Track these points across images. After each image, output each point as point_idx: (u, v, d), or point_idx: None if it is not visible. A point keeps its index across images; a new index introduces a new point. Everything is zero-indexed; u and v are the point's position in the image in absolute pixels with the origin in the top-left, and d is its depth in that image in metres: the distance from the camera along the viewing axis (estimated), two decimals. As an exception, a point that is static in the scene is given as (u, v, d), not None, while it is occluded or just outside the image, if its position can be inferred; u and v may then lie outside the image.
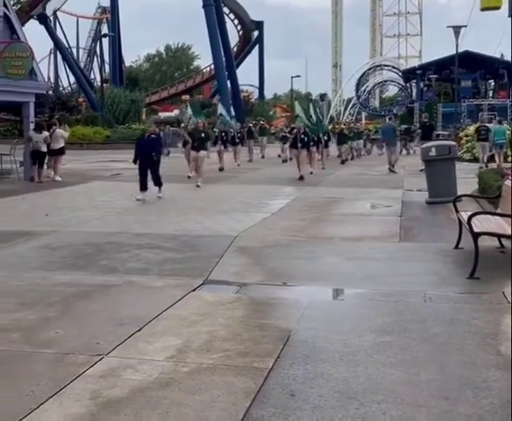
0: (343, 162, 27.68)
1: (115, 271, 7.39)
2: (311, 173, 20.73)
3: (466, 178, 16.09)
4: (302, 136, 19.63)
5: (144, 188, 14.31)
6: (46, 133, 18.36)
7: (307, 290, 6.79)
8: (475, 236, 7.08)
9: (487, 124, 26.11)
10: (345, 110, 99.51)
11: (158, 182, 14.61)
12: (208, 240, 9.35)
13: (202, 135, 17.79)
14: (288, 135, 21.50)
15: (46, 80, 47.97)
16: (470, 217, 7.26)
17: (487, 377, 4.26)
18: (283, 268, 7.62)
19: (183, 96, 76.56)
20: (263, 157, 32.10)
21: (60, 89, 68.91)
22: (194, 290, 6.59)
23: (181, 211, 12.46)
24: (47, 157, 18.57)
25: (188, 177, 18.87)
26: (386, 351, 4.82)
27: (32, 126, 18.98)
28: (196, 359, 4.67)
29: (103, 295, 6.42)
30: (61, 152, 19.30)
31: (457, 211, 8.58)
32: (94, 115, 51.09)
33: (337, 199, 14.44)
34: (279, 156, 30.49)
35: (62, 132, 19.69)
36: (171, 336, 5.15)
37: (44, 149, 18.14)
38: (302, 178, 18.91)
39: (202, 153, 17.53)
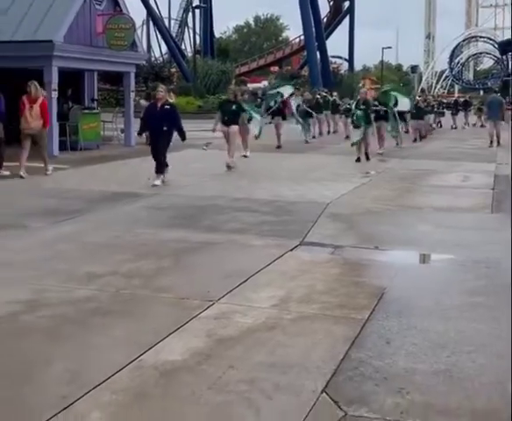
0: (415, 140, 23.87)
1: (217, 230, 7.94)
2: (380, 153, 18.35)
3: None
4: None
5: (160, 170, 11.92)
6: None
7: (399, 254, 7.14)
8: None
9: None
10: (437, 82, 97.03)
11: (161, 165, 11.94)
12: (301, 206, 9.77)
13: (234, 107, 14.95)
14: (352, 107, 18.51)
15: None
16: None
17: None
18: (375, 234, 7.96)
19: (272, 68, 76.74)
20: (328, 132, 27.70)
21: (152, 59, 70.56)
22: (291, 250, 7.04)
23: (271, 179, 12.90)
24: None
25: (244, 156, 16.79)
26: (475, 309, 5.12)
27: (132, 95, 19.89)
28: (298, 308, 5.12)
29: (209, 250, 6.97)
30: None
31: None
32: (186, 85, 52.15)
33: (427, 171, 14.52)
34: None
35: (169, 100, 20.66)
36: (274, 288, 5.63)
37: None
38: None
39: (233, 127, 14.89)
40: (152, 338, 4.37)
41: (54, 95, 16.48)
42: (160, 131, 11.82)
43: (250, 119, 16.86)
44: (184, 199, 10.29)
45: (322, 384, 3.75)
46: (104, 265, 6.26)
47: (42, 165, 13.10)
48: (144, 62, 29.58)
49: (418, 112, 23.83)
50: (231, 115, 14.78)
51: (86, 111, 18.90)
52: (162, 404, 3.53)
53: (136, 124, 19.51)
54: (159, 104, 12.10)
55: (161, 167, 11.89)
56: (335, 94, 29.95)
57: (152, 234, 7.67)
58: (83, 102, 20.04)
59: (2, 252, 6.78)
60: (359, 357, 4.17)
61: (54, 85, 16.46)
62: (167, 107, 12.13)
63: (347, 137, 21.79)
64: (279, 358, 4.16)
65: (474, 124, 35.24)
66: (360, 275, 6.18)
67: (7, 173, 12.93)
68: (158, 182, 11.63)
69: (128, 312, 4.98)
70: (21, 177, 12.44)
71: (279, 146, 20.16)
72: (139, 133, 13.30)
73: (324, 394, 3.65)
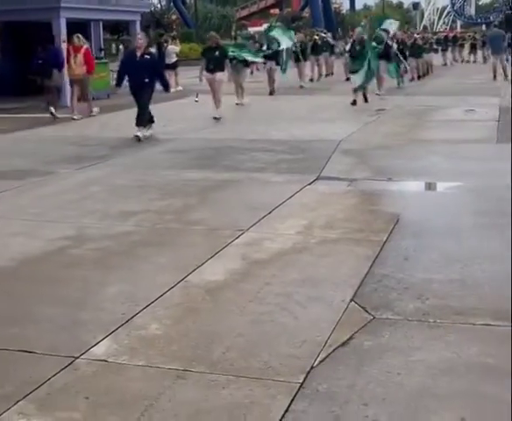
0: (412, 79, 22.67)
1: (237, 169, 8.36)
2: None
3: None
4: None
5: (140, 123, 10.99)
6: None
7: (411, 184, 7.57)
8: None
9: None
10: (440, 19, 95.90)
11: (142, 119, 11.00)
12: (315, 144, 10.16)
13: (217, 54, 14.12)
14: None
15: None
16: None
17: None
18: (387, 167, 8.37)
19: (272, 10, 75.77)
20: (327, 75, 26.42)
21: (151, 7, 69.83)
22: (309, 184, 7.47)
23: (284, 119, 13.25)
24: None
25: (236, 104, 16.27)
26: (484, 229, 5.58)
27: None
28: (321, 234, 5.57)
29: (232, 187, 7.41)
30: (174, 66, 21.35)
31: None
32: (188, 32, 51.91)
33: (433, 107, 14.81)
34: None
35: (174, 48, 21.88)
36: (297, 218, 6.07)
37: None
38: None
39: (219, 74, 14.06)
40: (194, 263, 4.83)
41: (64, 46, 16.70)
42: (141, 83, 10.86)
43: (247, 64, 17.13)
44: (201, 142, 10.68)
45: (350, 294, 4.22)
46: (136, 204, 6.70)
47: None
48: (149, 10, 29.59)
49: (417, 50, 23.20)
50: (215, 61, 13.99)
51: (96, 61, 19.10)
52: (211, 316, 4.00)
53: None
54: (138, 53, 11.11)
55: (142, 121, 10.98)
56: (328, 34, 29.35)
57: (176, 175, 8.10)
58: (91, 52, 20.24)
59: (39, 196, 7.24)
60: (381, 272, 4.63)
61: (64, 36, 16.68)
62: (148, 57, 11.21)
63: (347, 79, 20.56)
64: (309, 275, 4.62)
65: (468, 61, 35.32)
66: (376, 204, 6.62)
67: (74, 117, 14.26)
68: (140, 134, 10.79)
69: (167, 243, 5.45)
70: (73, 119, 14.01)
71: (271, 93, 19.19)
72: (117, 85, 11.94)
73: (353, 302, 4.12)
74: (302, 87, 21.54)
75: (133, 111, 11.30)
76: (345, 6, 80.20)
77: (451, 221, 5.86)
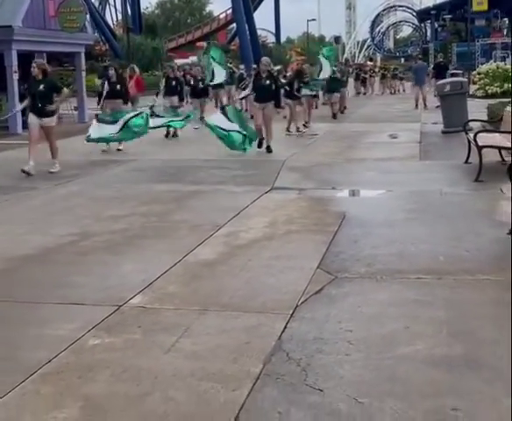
0: (334, 116, 21.04)
1: (201, 183, 9.57)
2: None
3: (480, 112, 17.94)
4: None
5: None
6: None
7: (351, 191, 8.98)
8: (479, 148, 9.17)
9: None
10: (360, 51, 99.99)
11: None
12: (262, 163, 11.49)
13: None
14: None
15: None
16: (475, 134, 9.35)
17: (483, 231, 6.42)
18: (330, 179, 9.75)
19: (198, 43, 77.35)
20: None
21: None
22: (265, 193, 8.75)
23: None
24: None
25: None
26: (413, 221, 6.99)
27: (83, 74, 21.09)
28: (284, 227, 6.86)
29: (201, 196, 8.61)
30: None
31: (466, 133, 10.63)
32: (121, 63, 52.72)
33: (363, 132, 16.45)
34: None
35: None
36: (261, 216, 7.35)
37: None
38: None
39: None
40: (187, 249, 6.02)
41: (15, 77, 17.58)
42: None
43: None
44: (160, 162, 11.85)
45: (316, 264, 5.50)
46: (121, 210, 7.82)
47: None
48: (93, 43, 30.39)
49: (334, 84, 21.11)
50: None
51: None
52: (212, 280, 5.20)
53: (89, 102, 20.87)
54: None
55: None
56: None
57: (148, 187, 9.25)
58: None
59: (31, 206, 8.26)
60: (337, 250, 5.95)
61: (15, 67, 17.57)
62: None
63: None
64: (281, 253, 5.89)
65: (382, 93, 37.70)
66: (325, 206, 7.98)
67: None
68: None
69: (160, 235, 6.61)
70: None
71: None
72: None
73: (319, 269, 5.40)
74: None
75: (82, 138, 12.33)
76: (271, 38, 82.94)
77: (387, 216, 7.26)
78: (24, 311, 4.59)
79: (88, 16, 22.18)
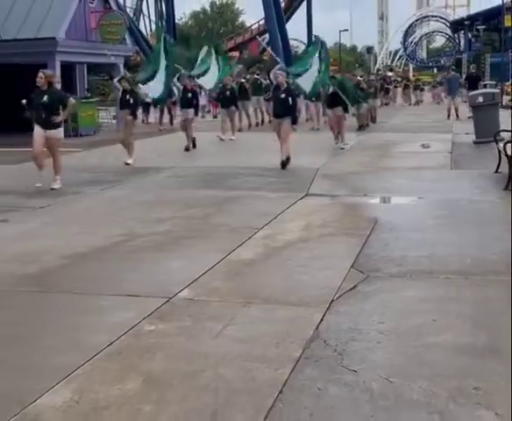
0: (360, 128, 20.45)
1: (237, 189, 10.01)
2: None
3: None
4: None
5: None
6: None
7: (383, 198, 9.32)
8: (509, 158, 9.44)
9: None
10: (392, 62, 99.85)
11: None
12: (297, 170, 11.88)
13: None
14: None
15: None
16: (505, 144, 9.62)
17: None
18: (362, 186, 10.11)
19: (232, 53, 78.09)
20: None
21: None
22: (300, 199, 9.15)
23: (268, 151, 14.95)
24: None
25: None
26: (442, 226, 7.33)
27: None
28: (319, 230, 7.25)
29: (238, 201, 9.04)
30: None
31: (496, 143, 10.90)
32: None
33: (395, 142, 16.76)
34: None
35: None
36: (297, 221, 7.74)
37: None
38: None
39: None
40: (229, 249, 6.43)
41: (59, 86, 18.21)
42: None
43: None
44: (197, 169, 12.33)
45: (349, 264, 5.87)
46: (164, 213, 8.28)
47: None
48: (132, 54, 31.02)
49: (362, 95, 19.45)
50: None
51: (83, 100, 20.68)
52: (253, 277, 5.61)
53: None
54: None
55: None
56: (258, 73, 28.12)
57: (188, 193, 9.72)
58: (75, 92, 21.77)
59: (79, 209, 8.77)
60: (369, 252, 6.31)
61: (58, 78, 18.18)
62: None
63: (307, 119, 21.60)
64: (316, 254, 6.28)
65: (410, 104, 37.22)
66: (358, 211, 8.36)
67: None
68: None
69: (202, 237, 7.04)
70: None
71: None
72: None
73: (352, 269, 5.77)
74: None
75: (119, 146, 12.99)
76: (302, 49, 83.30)
77: (417, 222, 7.61)
78: (84, 302, 5.05)
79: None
